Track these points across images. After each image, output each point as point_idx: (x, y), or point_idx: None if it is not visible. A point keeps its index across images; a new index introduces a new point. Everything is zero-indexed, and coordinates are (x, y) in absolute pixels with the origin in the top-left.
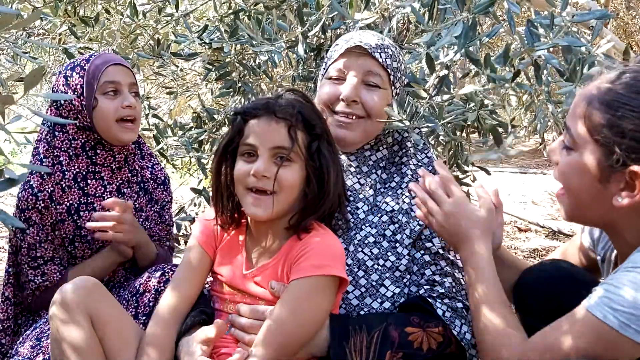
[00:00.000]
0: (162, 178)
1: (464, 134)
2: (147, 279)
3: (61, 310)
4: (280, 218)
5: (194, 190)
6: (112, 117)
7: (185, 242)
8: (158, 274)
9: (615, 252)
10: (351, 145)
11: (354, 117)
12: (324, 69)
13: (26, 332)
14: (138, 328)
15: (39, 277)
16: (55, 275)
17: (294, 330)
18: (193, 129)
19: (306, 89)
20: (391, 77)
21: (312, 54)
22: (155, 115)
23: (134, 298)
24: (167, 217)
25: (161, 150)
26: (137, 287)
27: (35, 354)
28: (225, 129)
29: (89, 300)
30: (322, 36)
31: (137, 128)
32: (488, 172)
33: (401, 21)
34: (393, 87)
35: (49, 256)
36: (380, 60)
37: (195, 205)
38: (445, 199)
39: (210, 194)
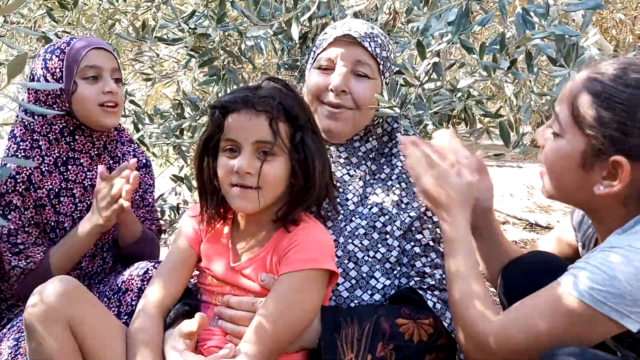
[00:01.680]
0: (144, 161)
1: (449, 125)
2: (130, 277)
3: (38, 319)
4: (267, 210)
5: (174, 177)
6: (92, 103)
7: (165, 231)
8: (142, 272)
9: (595, 237)
10: (340, 136)
11: (343, 109)
12: (312, 58)
13: (3, 331)
14: (122, 327)
15: (22, 261)
16: (39, 256)
17: (285, 325)
18: (173, 117)
19: (291, 77)
20: (381, 66)
21: (297, 42)
22: (132, 102)
23: (116, 296)
24: (150, 200)
25: (140, 138)
26: (119, 285)
27: (14, 356)
28: (206, 118)
29: (68, 307)
30: (308, 25)
31: (119, 113)
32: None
33: (387, 10)
34: (382, 77)
35: (32, 241)
36: (369, 49)
37: (176, 194)
38: (436, 163)
39: (192, 182)
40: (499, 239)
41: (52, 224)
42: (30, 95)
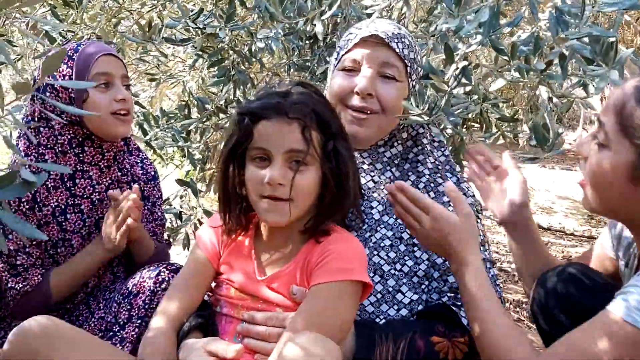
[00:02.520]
0: (153, 173)
1: (464, 129)
2: (142, 279)
3: None
4: (295, 221)
5: (180, 182)
6: (104, 111)
7: (169, 236)
8: (153, 274)
9: (637, 256)
10: (365, 141)
11: (369, 112)
12: (336, 59)
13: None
14: (116, 354)
15: (20, 284)
16: (36, 278)
17: None
18: (179, 118)
19: (301, 78)
20: (408, 68)
21: (307, 42)
22: (138, 103)
23: (127, 300)
24: (159, 213)
25: (148, 141)
26: (130, 289)
27: None
28: (215, 119)
29: (48, 349)
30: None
31: (130, 121)
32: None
33: (400, 10)
34: (410, 80)
35: (31, 262)
36: (397, 50)
37: (181, 198)
38: (423, 217)
39: (198, 186)
40: (535, 236)
41: (55, 241)
42: (36, 104)
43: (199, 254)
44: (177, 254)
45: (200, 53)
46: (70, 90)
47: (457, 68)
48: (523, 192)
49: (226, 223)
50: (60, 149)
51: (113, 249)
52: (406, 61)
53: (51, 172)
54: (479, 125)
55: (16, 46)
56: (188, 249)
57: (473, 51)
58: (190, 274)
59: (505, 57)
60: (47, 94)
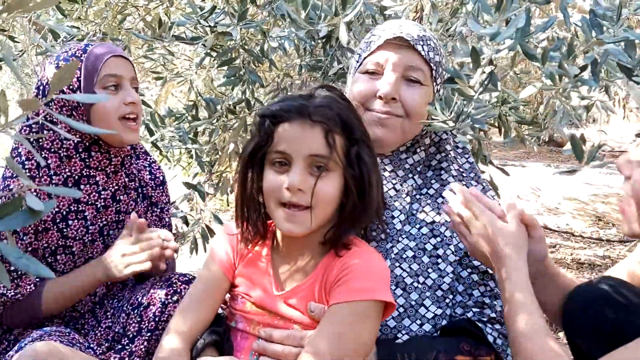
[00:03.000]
0: (161, 178)
1: (481, 133)
2: (153, 290)
3: None
4: (314, 231)
5: (188, 185)
6: (114, 115)
7: (176, 241)
8: (165, 285)
9: None
10: (387, 146)
11: (392, 116)
12: (357, 61)
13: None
14: None
15: (11, 291)
16: (28, 287)
17: None
18: (187, 119)
19: (312, 79)
20: (433, 72)
21: (320, 41)
22: (144, 102)
23: (136, 311)
24: (167, 219)
25: (155, 142)
26: (140, 300)
27: None
28: (224, 120)
29: None
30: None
31: (139, 127)
32: (506, 173)
33: (414, 10)
34: (435, 84)
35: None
36: (422, 53)
37: (188, 201)
38: (474, 222)
39: (206, 189)
40: (558, 281)
41: (55, 248)
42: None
43: (213, 266)
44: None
45: (209, 52)
46: (79, 92)
47: (484, 72)
48: (542, 249)
49: (243, 232)
50: (65, 153)
51: (117, 278)
52: (431, 64)
53: (53, 177)
54: (496, 129)
55: (18, 42)
56: (196, 253)
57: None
58: (204, 288)
59: (537, 63)
60: (53, 96)
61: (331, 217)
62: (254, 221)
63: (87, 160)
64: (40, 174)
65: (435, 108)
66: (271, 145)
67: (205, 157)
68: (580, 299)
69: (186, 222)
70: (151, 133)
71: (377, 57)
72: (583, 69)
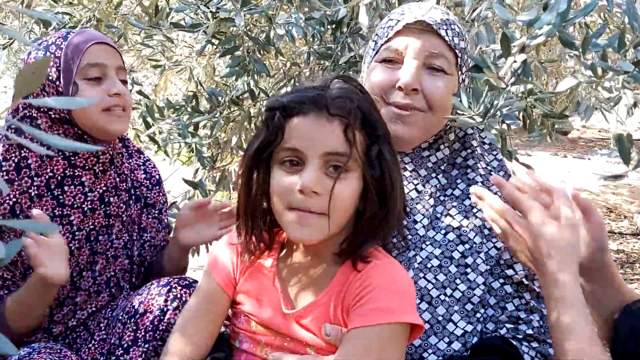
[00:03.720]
0: (157, 177)
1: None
2: (149, 297)
3: None
4: (328, 240)
5: (188, 182)
6: (96, 108)
7: None
8: (164, 290)
9: None
10: (408, 143)
11: (413, 110)
12: (373, 49)
13: None
14: None
15: None
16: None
17: None
18: (186, 111)
19: (321, 68)
20: (458, 59)
21: (329, 27)
22: (141, 92)
23: (132, 320)
24: (166, 221)
25: (152, 135)
26: (136, 307)
27: None
28: (226, 112)
29: None
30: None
31: (127, 117)
32: (530, 167)
33: None
34: (459, 72)
35: (7, 282)
36: (447, 38)
37: (189, 200)
38: (518, 219)
39: (208, 185)
40: (614, 281)
41: None
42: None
43: (212, 281)
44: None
45: (211, 39)
46: (58, 83)
47: (515, 62)
48: (601, 237)
49: (247, 241)
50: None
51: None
52: (457, 51)
53: (34, 179)
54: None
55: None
56: (198, 255)
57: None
58: (203, 304)
59: (575, 52)
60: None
61: (346, 224)
62: (259, 230)
63: (72, 158)
64: (21, 176)
65: (461, 101)
66: (281, 142)
67: (206, 151)
68: (631, 319)
69: None
70: (148, 126)
71: (396, 44)
72: (637, 64)
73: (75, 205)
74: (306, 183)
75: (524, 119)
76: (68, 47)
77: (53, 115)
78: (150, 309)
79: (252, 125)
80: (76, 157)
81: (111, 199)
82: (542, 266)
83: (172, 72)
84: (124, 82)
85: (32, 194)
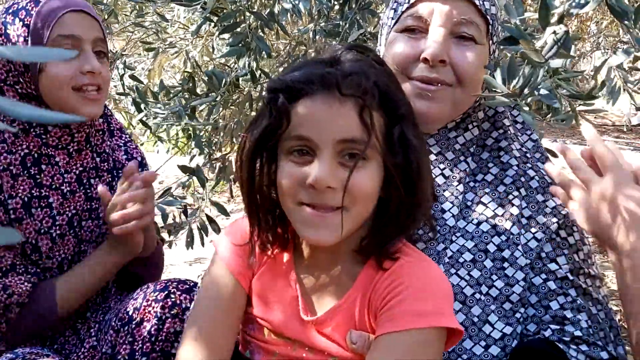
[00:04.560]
0: (139, 159)
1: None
2: (146, 303)
3: None
4: (349, 236)
5: (184, 168)
6: (65, 86)
7: (169, 233)
8: (161, 296)
9: None
10: (433, 123)
11: (439, 84)
12: (393, 18)
13: None
14: None
15: (0, 292)
16: (23, 286)
17: None
18: (182, 94)
19: (327, 46)
20: (490, 27)
21: (337, 3)
22: (133, 77)
23: (127, 328)
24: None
25: (144, 119)
26: (131, 314)
27: None
28: (226, 95)
29: None
30: None
31: (102, 99)
32: (555, 155)
33: None
34: (491, 42)
35: (8, 264)
36: (477, 2)
37: (184, 187)
38: (594, 177)
39: (205, 173)
40: None
41: (34, 242)
42: None
43: (222, 273)
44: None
45: (209, 15)
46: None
47: (555, 33)
48: None
49: (258, 237)
50: (21, 126)
51: (125, 253)
52: (488, 17)
53: (9, 156)
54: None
55: None
56: (192, 248)
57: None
58: (216, 306)
59: (626, 22)
60: None
61: (368, 218)
62: (268, 225)
63: (43, 136)
64: None
65: (494, 77)
66: (287, 129)
67: (204, 136)
68: None
69: (185, 212)
70: (139, 110)
71: (419, 10)
72: None
73: (54, 186)
74: (319, 177)
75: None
76: (39, 15)
77: (20, 90)
78: (146, 317)
79: (254, 109)
80: (48, 135)
81: (91, 181)
82: (616, 235)
83: (166, 56)
84: (104, 54)
85: (14, 171)
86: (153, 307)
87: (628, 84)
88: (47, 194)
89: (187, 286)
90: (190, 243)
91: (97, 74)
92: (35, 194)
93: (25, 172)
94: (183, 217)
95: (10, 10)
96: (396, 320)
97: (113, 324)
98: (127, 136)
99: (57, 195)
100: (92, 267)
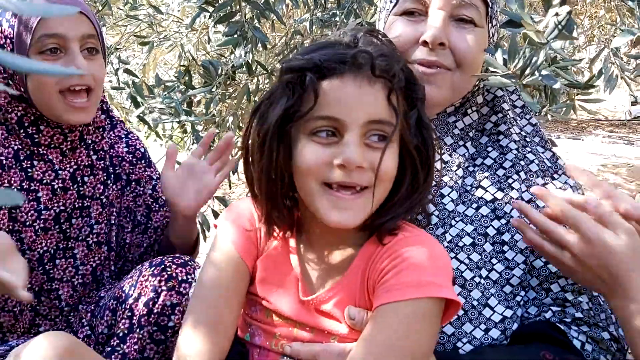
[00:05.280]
0: (142, 150)
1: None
2: (142, 278)
3: None
4: None
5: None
6: (52, 88)
7: None
8: (157, 270)
9: None
10: (434, 107)
11: (439, 68)
12: (391, 1)
13: None
14: None
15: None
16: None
17: None
18: (179, 87)
19: (323, 37)
20: (489, 9)
21: None
22: (128, 71)
23: (124, 305)
24: (164, 200)
25: (141, 115)
26: (127, 291)
27: None
28: (224, 87)
29: None
30: None
31: (93, 104)
32: (554, 144)
33: None
34: (490, 25)
35: None
36: None
37: None
38: (569, 238)
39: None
40: None
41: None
42: None
43: (231, 252)
44: None
45: (205, 6)
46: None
47: (557, 15)
48: None
49: (267, 220)
50: (10, 125)
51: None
52: (488, 0)
53: (1, 149)
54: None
55: None
56: (205, 241)
57: None
58: (219, 287)
59: (630, 3)
60: None
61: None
62: (280, 211)
63: (35, 136)
64: None
65: (495, 57)
66: (312, 109)
67: (202, 130)
68: None
69: None
70: (137, 105)
71: None
72: None
73: (45, 182)
74: (351, 157)
75: (545, 89)
76: (23, 15)
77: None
78: (144, 291)
79: (251, 102)
80: (39, 135)
81: (85, 179)
82: (608, 285)
83: (160, 50)
84: (95, 50)
85: (3, 162)
86: (150, 281)
87: (625, 72)
88: (36, 188)
89: (182, 260)
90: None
91: (85, 75)
92: (24, 187)
93: (17, 164)
94: None
95: None
96: (393, 291)
97: (109, 304)
98: (128, 129)
99: (47, 191)
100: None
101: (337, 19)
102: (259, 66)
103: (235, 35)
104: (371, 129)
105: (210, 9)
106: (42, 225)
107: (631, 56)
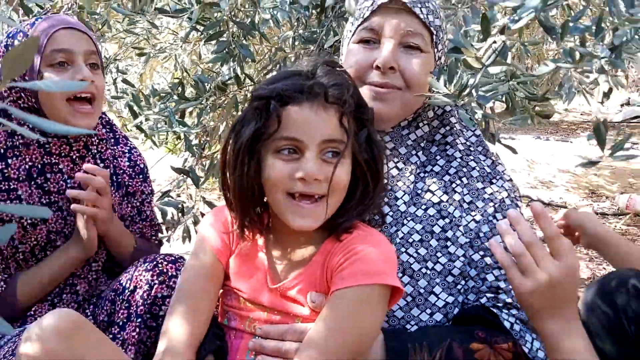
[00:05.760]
0: (142, 166)
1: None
2: (137, 273)
3: None
4: None
5: (179, 170)
6: (59, 96)
7: (168, 229)
8: (150, 266)
9: None
10: (387, 122)
11: (390, 88)
12: (350, 31)
13: None
14: None
15: None
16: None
17: (338, 350)
18: (173, 98)
19: (306, 53)
20: (434, 37)
21: (314, 12)
22: (125, 81)
23: (122, 297)
24: (148, 212)
25: (139, 124)
26: (124, 284)
27: None
28: (213, 99)
29: (69, 347)
30: None
31: (96, 111)
32: (515, 151)
33: None
34: (435, 50)
35: None
36: (421, 16)
37: (179, 187)
38: (535, 268)
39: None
40: (619, 247)
41: (43, 244)
42: None
43: (206, 253)
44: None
45: (195, 25)
46: (26, 72)
47: (494, 42)
48: (592, 223)
49: (240, 224)
50: (21, 141)
51: (84, 248)
52: (432, 29)
53: (11, 164)
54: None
55: None
56: (189, 241)
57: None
58: (199, 282)
59: (554, 36)
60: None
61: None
62: (252, 217)
63: (46, 146)
64: (2, 165)
65: (437, 80)
66: (277, 131)
67: (194, 139)
68: (594, 290)
69: (182, 211)
70: (135, 115)
71: (372, 24)
72: (613, 49)
73: (61, 191)
74: (309, 172)
75: (507, 102)
76: (34, 34)
77: (22, 105)
78: (139, 284)
79: (239, 111)
80: (50, 145)
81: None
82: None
83: (157, 60)
84: (97, 65)
85: (20, 177)
86: (144, 276)
87: (582, 86)
88: (55, 199)
89: (173, 258)
90: (186, 237)
91: (90, 83)
92: (44, 202)
93: (33, 182)
94: (179, 214)
95: (11, 34)
96: (347, 278)
97: (109, 296)
98: (132, 144)
99: (65, 199)
100: (51, 264)
101: (317, 36)
102: (247, 77)
103: (223, 53)
104: (326, 147)
105: (201, 27)
106: (69, 230)
107: (584, 72)
